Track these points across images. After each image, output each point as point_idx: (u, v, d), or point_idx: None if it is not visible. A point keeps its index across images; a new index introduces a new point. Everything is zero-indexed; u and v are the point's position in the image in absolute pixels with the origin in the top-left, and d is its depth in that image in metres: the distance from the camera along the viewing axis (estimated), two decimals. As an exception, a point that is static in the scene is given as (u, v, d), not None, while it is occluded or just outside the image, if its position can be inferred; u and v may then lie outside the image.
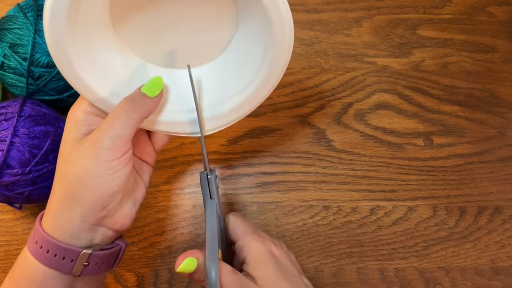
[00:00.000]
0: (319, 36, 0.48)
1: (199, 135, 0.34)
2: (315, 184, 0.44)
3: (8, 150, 0.35)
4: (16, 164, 0.35)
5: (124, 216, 0.31)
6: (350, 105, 0.46)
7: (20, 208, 0.38)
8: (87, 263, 0.29)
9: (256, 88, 0.33)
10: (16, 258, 0.41)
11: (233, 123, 0.35)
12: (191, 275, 0.31)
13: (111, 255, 0.31)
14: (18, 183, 0.36)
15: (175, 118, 0.34)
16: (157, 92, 0.32)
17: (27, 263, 0.29)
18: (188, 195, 0.43)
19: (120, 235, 0.33)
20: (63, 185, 0.29)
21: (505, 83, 0.47)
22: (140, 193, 0.34)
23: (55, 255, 0.28)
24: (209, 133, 0.35)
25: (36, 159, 0.36)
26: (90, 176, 0.28)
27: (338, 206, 0.44)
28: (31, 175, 0.36)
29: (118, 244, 0.31)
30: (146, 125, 0.34)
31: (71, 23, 0.28)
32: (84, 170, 0.28)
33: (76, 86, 0.31)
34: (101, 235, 0.30)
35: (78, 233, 0.29)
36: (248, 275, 0.31)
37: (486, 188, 0.45)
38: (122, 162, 0.29)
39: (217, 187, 0.34)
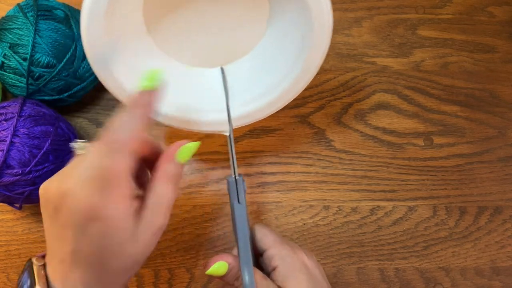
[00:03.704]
0: (319, 36, 0.48)
1: (227, 133, 0.34)
2: (315, 184, 0.44)
3: (8, 150, 0.35)
4: (16, 164, 0.35)
5: None
6: (350, 105, 0.46)
7: (20, 208, 0.38)
8: None
9: (291, 83, 0.33)
10: (16, 258, 0.41)
11: (262, 118, 0.35)
12: (221, 278, 0.30)
13: None
14: (18, 183, 0.36)
15: (206, 118, 0.34)
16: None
17: None
18: (189, 195, 0.43)
19: None
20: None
21: (505, 83, 0.47)
22: None
23: None
24: (236, 127, 0.35)
25: (36, 159, 0.36)
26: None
27: (338, 206, 0.44)
28: (31, 175, 0.36)
29: None
30: (174, 123, 0.34)
31: (108, 29, 0.28)
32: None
33: (116, 93, 0.31)
34: None
35: None
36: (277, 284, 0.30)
37: (486, 188, 0.45)
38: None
39: (245, 191, 0.33)
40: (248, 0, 0.31)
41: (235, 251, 0.32)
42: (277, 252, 0.31)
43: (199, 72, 0.35)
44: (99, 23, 0.28)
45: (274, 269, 0.30)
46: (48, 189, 0.26)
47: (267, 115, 0.35)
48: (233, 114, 0.34)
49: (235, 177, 0.33)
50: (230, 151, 0.33)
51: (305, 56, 0.31)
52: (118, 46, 0.30)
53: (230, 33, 0.33)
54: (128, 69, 0.31)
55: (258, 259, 0.33)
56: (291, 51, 0.32)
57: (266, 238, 0.32)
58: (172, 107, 0.33)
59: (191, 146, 0.29)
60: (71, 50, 0.39)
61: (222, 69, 0.34)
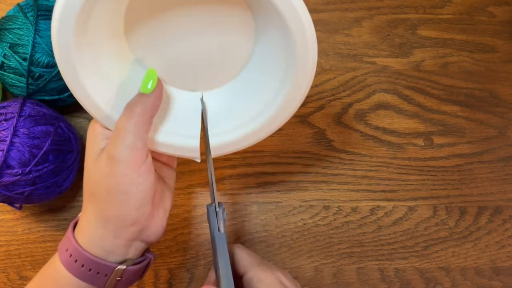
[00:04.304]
0: (319, 36, 0.48)
1: (198, 160, 0.33)
2: (315, 184, 0.44)
3: (8, 150, 0.35)
4: (16, 164, 0.35)
5: (157, 227, 0.31)
6: (350, 105, 0.46)
7: (20, 208, 0.38)
8: (120, 278, 0.29)
9: (269, 118, 0.31)
10: (16, 258, 0.41)
11: (238, 150, 0.33)
12: None
13: (141, 268, 0.31)
14: (18, 183, 0.36)
15: (182, 142, 0.33)
16: (153, 86, 0.29)
17: (59, 274, 0.29)
18: (188, 195, 0.43)
19: (148, 247, 0.33)
20: (92, 203, 0.29)
21: (505, 83, 0.47)
22: (168, 201, 0.33)
23: (90, 269, 0.28)
24: (214, 156, 0.34)
25: (36, 159, 0.36)
26: (113, 195, 0.28)
27: (338, 206, 0.44)
28: (31, 175, 0.36)
29: (147, 257, 0.32)
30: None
31: (80, 36, 0.27)
32: (106, 190, 0.28)
33: (84, 104, 0.30)
34: (135, 249, 0.30)
35: (113, 249, 0.29)
36: None
37: (486, 188, 0.45)
38: (143, 172, 0.29)
39: (225, 220, 0.33)
40: (235, 26, 0.30)
41: (211, 274, 0.32)
42: (254, 274, 0.31)
43: (178, 93, 0.34)
44: (71, 30, 0.26)
45: None
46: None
47: (243, 148, 0.33)
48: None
49: (215, 207, 0.32)
50: (210, 180, 0.32)
51: (286, 91, 0.30)
52: (93, 57, 0.29)
53: (214, 59, 0.32)
54: (100, 80, 0.30)
55: (239, 281, 0.33)
56: (272, 85, 0.31)
57: (244, 261, 0.32)
58: None
59: (150, 73, 0.30)
60: (71, 50, 0.39)
61: (202, 100, 0.33)
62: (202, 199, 0.43)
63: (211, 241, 0.32)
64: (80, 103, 0.30)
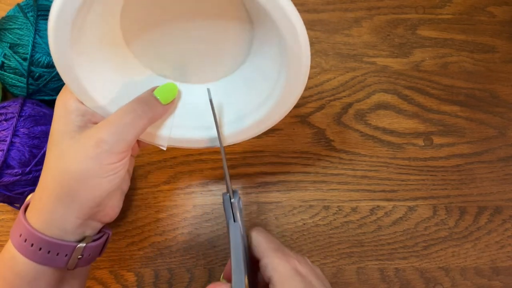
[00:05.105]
0: (319, 36, 0.48)
1: (213, 146, 0.34)
2: (315, 184, 0.44)
3: (8, 150, 0.35)
4: (16, 164, 0.35)
5: (113, 208, 0.32)
6: (350, 105, 0.46)
7: (20, 208, 0.38)
8: (81, 256, 0.29)
9: (273, 105, 0.32)
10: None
11: (251, 137, 0.34)
12: None
13: (100, 244, 0.32)
14: (18, 183, 0.36)
15: (186, 135, 0.34)
16: (170, 99, 0.32)
17: (15, 261, 0.28)
18: (188, 195, 0.43)
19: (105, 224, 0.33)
20: (59, 182, 0.28)
21: (505, 83, 0.47)
22: (126, 184, 0.34)
23: (48, 251, 0.28)
24: (226, 145, 0.35)
25: (36, 159, 0.36)
26: (90, 177, 0.28)
27: (338, 206, 0.44)
28: (31, 175, 0.36)
29: (106, 233, 0.32)
30: (157, 141, 0.34)
31: (77, 31, 0.27)
32: (85, 170, 0.28)
33: (78, 95, 0.30)
34: (91, 228, 0.31)
35: (72, 229, 0.29)
36: None
37: (486, 188, 0.45)
38: (124, 163, 0.29)
39: (241, 209, 0.32)
40: (232, 24, 0.30)
41: (229, 266, 0.32)
42: (269, 261, 0.30)
43: (181, 87, 0.34)
44: (67, 31, 0.26)
45: (269, 280, 0.30)
46: None
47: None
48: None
49: (230, 196, 0.32)
50: (224, 171, 0.32)
51: (278, 93, 0.31)
52: (91, 57, 0.29)
53: (211, 51, 0.32)
54: (100, 78, 0.30)
55: (257, 265, 0.32)
56: (267, 84, 0.32)
57: (259, 247, 0.31)
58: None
59: (171, 87, 0.32)
60: (71, 50, 0.39)
61: (208, 90, 0.34)
62: (202, 199, 0.43)
63: (227, 232, 0.32)
64: (75, 94, 0.30)
